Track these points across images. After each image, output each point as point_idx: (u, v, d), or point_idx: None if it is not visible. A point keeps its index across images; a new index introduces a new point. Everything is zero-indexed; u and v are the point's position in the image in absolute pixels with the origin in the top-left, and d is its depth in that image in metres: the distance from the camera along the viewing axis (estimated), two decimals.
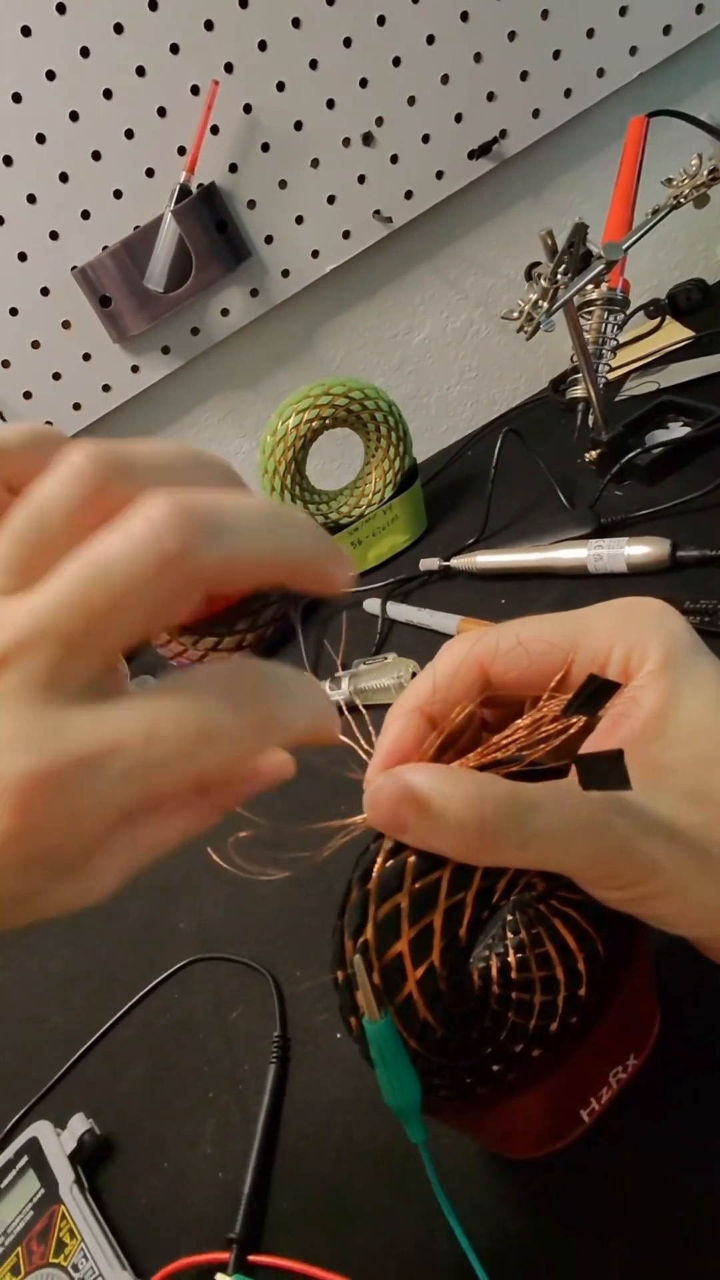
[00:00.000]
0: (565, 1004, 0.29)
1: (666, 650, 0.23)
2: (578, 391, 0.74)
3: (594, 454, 0.70)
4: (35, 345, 0.88)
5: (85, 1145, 0.42)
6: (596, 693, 0.21)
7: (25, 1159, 0.42)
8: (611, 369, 0.73)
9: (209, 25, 0.77)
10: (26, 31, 0.74)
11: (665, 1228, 0.30)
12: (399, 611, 0.71)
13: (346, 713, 0.31)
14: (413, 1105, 0.27)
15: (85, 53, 0.76)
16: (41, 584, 0.18)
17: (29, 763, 0.17)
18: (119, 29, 0.76)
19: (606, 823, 0.21)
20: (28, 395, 0.90)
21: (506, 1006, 0.29)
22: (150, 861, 0.22)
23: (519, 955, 0.29)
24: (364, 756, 0.27)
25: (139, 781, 0.18)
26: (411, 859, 0.25)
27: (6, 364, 0.88)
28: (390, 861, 0.26)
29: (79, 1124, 0.42)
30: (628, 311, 0.71)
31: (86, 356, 0.90)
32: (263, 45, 0.79)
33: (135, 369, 0.92)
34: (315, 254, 0.90)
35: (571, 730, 0.23)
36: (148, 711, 0.18)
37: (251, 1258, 0.35)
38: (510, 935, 0.30)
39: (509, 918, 0.30)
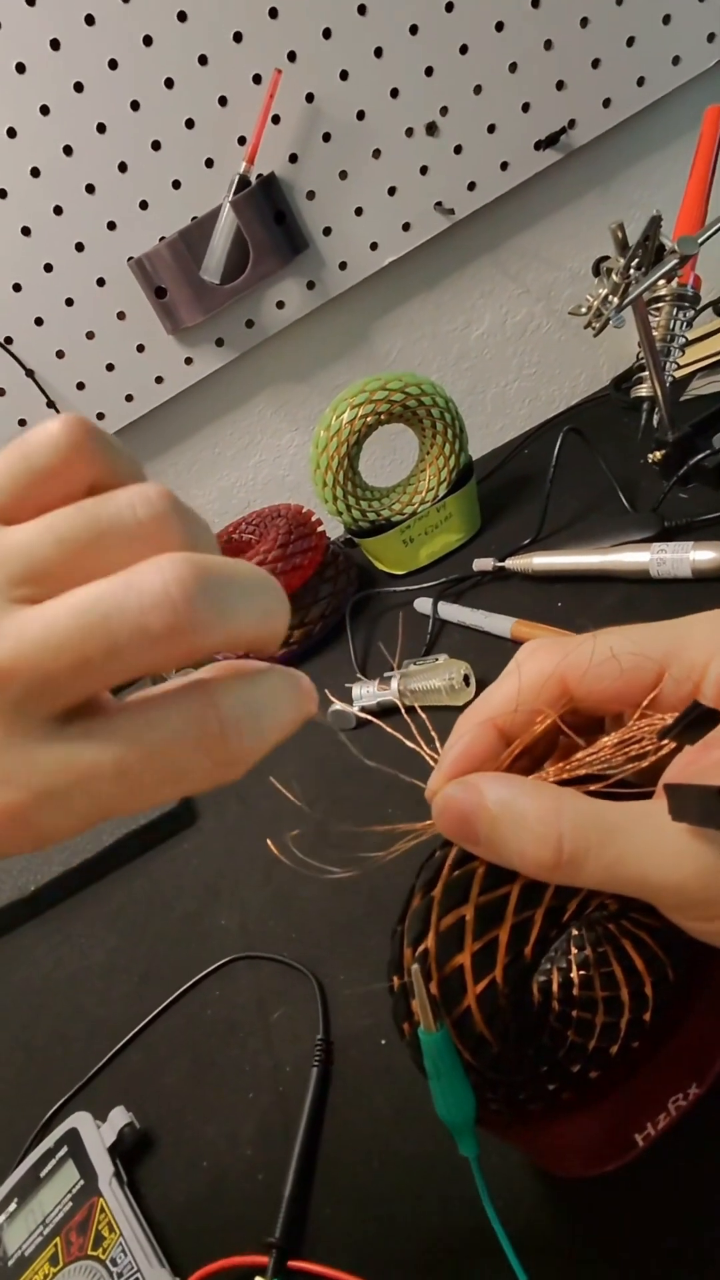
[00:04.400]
0: (628, 1028, 0.27)
1: None
2: (643, 390, 0.71)
3: (658, 455, 0.68)
4: (90, 336, 0.88)
5: (125, 1138, 0.41)
6: (699, 720, 0.20)
7: (65, 1149, 0.42)
8: (679, 367, 0.71)
9: (273, 13, 0.77)
10: (90, 20, 0.74)
11: (714, 1257, 0.29)
12: (451, 612, 0.70)
13: (404, 714, 0.30)
14: (466, 1119, 0.26)
15: (148, 41, 0.76)
16: (42, 605, 0.18)
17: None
18: (182, 17, 0.76)
19: (697, 852, 0.20)
20: (80, 386, 0.90)
21: (566, 1024, 0.28)
22: None
23: (583, 973, 0.28)
24: (429, 762, 0.26)
25: (105, 810, 0.19)
26: (480, 870, 0.24)
27: (61, 354, 0.89)
28: (457, 871, 0.25)
29: (119, 1117, 0.42)
30: (697, 308, 0.69)
31: (140, 348, 0.90)
32: (327, 33, 0.78)
33: (189, 361, 0.92)
34: (374, 246, 0.89)
35: (662, 752, 0.22)
36: (121, 745, 0.18)
37: (291, 1263, 0.34)
38: (575, 951, 0.29)
39: (574, 932, 0.29)
